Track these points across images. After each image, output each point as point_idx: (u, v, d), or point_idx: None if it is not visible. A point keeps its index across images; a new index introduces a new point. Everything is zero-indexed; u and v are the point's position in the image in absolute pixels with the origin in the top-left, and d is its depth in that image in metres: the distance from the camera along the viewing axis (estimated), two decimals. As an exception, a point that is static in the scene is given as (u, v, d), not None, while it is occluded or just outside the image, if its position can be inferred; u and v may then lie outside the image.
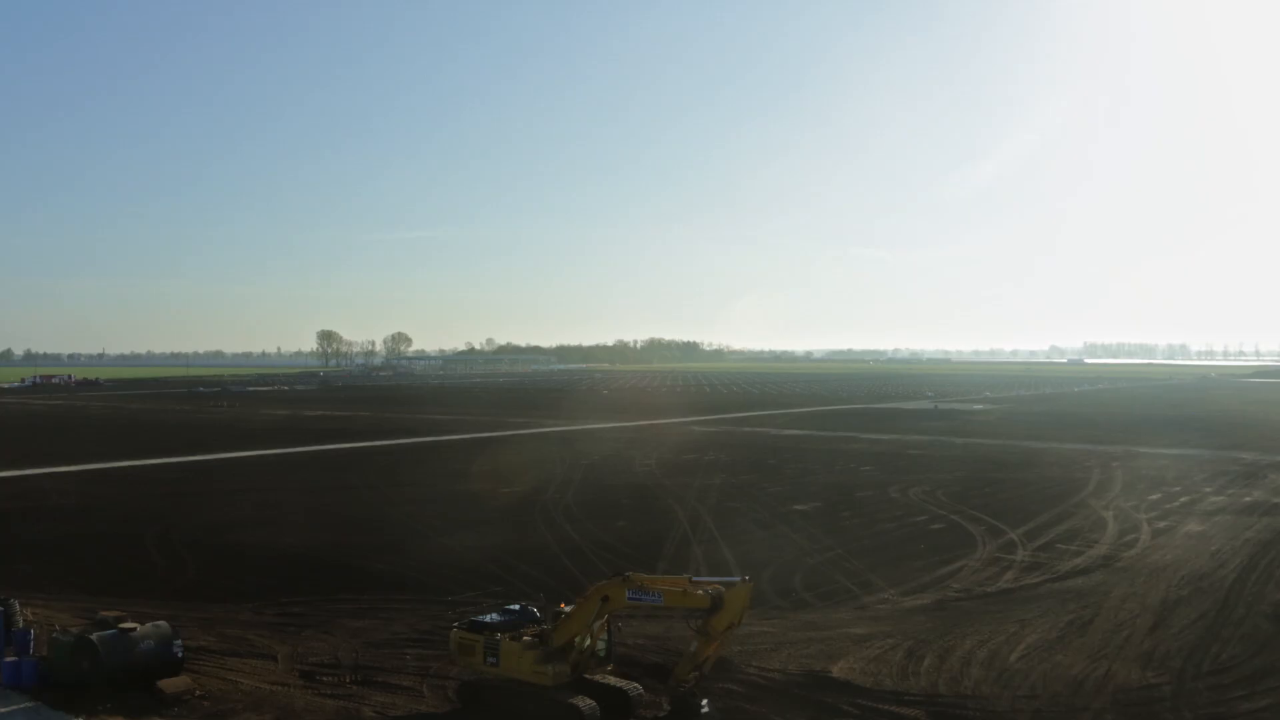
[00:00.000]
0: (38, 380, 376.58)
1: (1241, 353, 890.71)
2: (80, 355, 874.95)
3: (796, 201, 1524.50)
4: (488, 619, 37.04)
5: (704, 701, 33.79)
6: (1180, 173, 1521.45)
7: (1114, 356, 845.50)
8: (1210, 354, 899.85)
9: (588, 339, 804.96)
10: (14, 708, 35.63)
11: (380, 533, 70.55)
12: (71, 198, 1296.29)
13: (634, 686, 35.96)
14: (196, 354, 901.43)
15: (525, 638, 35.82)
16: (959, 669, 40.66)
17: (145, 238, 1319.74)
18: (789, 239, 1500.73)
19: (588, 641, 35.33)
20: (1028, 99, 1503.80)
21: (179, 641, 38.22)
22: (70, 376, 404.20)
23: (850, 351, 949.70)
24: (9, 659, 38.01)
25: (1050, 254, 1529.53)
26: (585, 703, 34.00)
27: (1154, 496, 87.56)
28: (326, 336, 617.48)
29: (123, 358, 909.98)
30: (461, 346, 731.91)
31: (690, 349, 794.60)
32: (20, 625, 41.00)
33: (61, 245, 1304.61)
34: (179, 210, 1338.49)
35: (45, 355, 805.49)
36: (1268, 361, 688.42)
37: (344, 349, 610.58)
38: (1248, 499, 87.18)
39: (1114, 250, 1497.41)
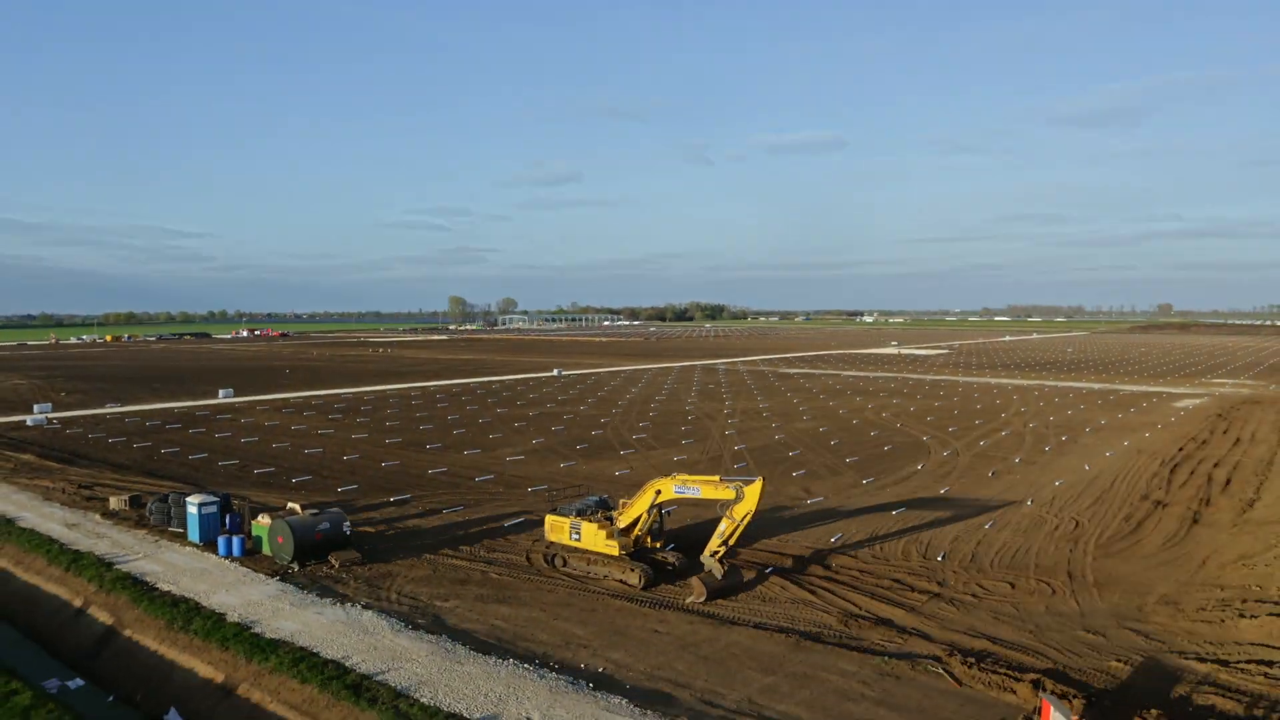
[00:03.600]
0: (242, 334, 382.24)
1: (1122, 312, 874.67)
2: (276, 314, 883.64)
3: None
4: (572, 506, 37.19)
5: (730, 567, 33.55)
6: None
7: (1029, 316, 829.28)
8: (1097, 315, 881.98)
9: (645, 303, 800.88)
10: (228, 573, 35.78)
11: (493, 444, 70.41)
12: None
13: (679, 556, 35.93)
14: (360, 314, 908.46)
15: (600, 520, 36.05)
16: (924, 541, 40.30)
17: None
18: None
19: (645, 523, 35.28)
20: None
21: (348, 523, 38.18)
22: (269, 329, 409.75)
23: (835, 312, 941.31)
24: (223, 536, 38.12)
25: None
26: (643, 568, 33.83)
27: (1057, 417, 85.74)
28: (455, 301, 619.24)
29: (309, 316, 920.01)
30: (553, 308, 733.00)
31: (719, 310, 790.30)
32: (233, 511, 41.19)
33: (269, 239, 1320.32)
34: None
35: (250, 314, 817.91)
36: (1140, 320, 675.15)
37: (467, 310, 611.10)
38: (1121, 417, 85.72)
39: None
